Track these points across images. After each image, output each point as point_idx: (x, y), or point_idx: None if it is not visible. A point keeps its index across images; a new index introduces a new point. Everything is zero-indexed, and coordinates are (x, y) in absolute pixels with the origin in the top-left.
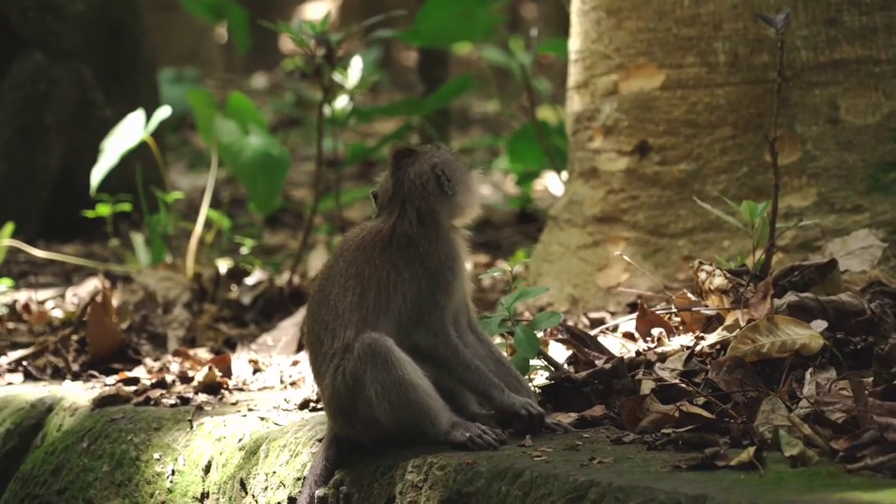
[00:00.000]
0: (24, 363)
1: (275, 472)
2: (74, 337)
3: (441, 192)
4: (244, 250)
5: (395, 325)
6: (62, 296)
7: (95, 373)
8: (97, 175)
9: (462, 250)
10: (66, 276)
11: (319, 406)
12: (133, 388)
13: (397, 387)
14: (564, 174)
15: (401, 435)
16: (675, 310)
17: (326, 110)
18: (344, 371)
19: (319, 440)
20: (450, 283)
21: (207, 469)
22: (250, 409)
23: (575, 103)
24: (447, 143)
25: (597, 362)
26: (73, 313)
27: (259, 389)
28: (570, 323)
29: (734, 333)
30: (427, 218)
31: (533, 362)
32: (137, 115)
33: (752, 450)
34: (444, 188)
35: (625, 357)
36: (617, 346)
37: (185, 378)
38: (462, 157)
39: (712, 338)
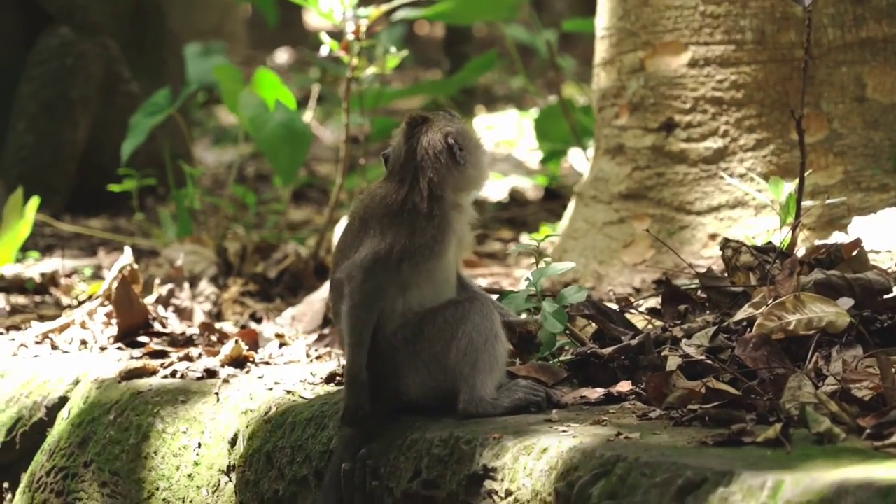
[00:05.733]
0: (51, 336)
1: (301, 446)
2: (101, 310)
3: (454, 163)
4: (270, 225)
5: None
6: (89, 269)
7: (122, 346)
8: (128, 149)
9: (456, 230)
10: (93, 250)
11: None
12: (159, 361)
13: (489, 332)
14: (590, 151)
15: (450, 385)
16: (701, 286)
17: (354, 86)
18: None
19: None
20: (420, 262)
21: (234, 442)
22: (276, 383)
23: (601, 80)
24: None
25: (623, 338)
26: (100, 287)
27: (285, 363)
28: (596, 299)
29: (760, 310)
30: (436, 190)
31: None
32: (164, 91)
33: (778, 426)
34: (457, 158)
35: (651, 333)
36: (643, 322)
37: (211, 352)
38: (474, 131)
39: (739, 315)
